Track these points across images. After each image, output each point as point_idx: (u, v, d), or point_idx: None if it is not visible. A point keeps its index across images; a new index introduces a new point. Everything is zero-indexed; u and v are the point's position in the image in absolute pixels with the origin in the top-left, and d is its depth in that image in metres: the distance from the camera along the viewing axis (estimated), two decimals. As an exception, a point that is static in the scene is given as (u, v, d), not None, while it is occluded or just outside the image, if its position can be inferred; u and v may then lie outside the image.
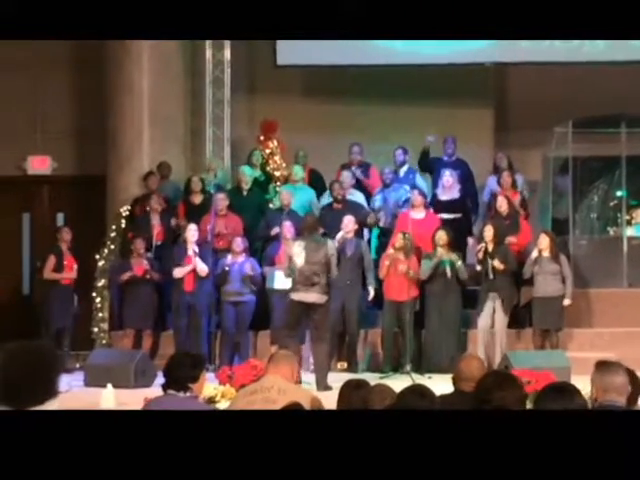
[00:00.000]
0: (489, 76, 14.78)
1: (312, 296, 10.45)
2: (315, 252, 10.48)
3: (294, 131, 14.23)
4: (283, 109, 14.39)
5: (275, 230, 12.29)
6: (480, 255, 11.49)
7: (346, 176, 12.94)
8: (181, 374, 5.26)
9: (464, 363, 5.36)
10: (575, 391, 4.21)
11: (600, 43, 13.32)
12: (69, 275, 12.55)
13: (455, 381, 5.19)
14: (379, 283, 11.83)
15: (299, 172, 13.26)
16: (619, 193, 13.80)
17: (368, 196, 13.05)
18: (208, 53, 14.61)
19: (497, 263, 11.34)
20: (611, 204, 14.00)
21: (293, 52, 13.76)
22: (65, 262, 12.56)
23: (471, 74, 14.31)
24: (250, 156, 13.80)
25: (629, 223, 13.65)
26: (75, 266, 12.60)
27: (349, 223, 11.82)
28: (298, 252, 10.52)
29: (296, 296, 10.56)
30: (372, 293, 11.75)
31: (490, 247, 11.50)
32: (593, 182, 14.06)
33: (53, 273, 12.55)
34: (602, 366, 4.75)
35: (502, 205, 12.12)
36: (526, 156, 14.32)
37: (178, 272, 11.98)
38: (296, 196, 12.76)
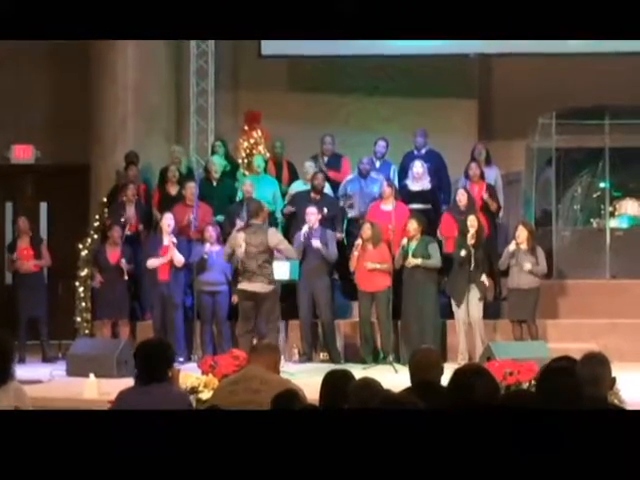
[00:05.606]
0: (473, 67, 14.78)
1: (256, 286, 10.49)
2: (256, 242, 10.50)
3: (278, 122, 14.21)
4: (267, 100, 14.37)
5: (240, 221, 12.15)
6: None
7: (308, 166, 12.94)
8: (151, 363, 5.21)
9: (421, 354, 5.38)
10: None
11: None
12: (27, 263, 12.67)
13: (415, 372, 5.15)
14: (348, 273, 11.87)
15: (260, 162, 13.24)
16: (602, 184, 13.81)
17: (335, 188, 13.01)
18: (192, 43, 14.57)
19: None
20: (594, 195, 14.01)
21: (277, 42, 13.71)
22: (19, 253, 12.72)
23: (455, 65, 14.32)
24: (214, 146, 13.77)
25: (612, 214, 13.65)
26: (32, 253, 12.72)
27: (311, 216, 11.77)
28: (240, 243, 10.53)
29: (241, 286, 10.61)
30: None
31: (472, 240, 11.48)
32: (576, 173, 14.05)
33: (11, 265, 12.91)
34: (590, 358, 4.72)
35: (462, 199, 12.05)
36: (509, 147, 14.33)
37: (151, 263, 11.95)
38: (259, 187, 12.71)
